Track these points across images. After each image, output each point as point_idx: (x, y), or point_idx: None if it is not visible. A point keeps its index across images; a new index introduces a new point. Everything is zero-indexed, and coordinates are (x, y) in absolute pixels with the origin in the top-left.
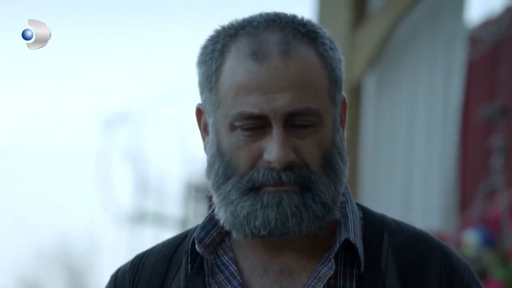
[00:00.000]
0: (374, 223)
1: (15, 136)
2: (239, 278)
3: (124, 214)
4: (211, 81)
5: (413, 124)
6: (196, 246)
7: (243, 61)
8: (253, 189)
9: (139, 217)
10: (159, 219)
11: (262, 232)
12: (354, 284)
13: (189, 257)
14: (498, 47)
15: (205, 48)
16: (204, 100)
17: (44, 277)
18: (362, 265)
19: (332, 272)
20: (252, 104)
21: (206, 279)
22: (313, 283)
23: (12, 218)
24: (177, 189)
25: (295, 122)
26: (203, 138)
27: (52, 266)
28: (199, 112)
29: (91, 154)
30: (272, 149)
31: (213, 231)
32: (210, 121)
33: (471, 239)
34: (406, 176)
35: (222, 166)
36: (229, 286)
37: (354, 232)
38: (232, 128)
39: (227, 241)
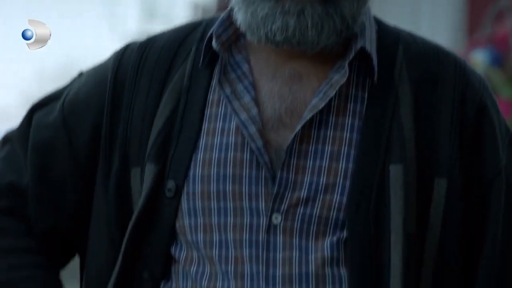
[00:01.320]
0: (389, 35)
1: None
2: (250, 77)
3: (130, 36)
4: None
5: None
6: (214, 42)
7: None
8: None
9: None
10: None
11: (278, 38)
12: (366, 94)
13: (204, 48)
14: None
15: None
16: None
17: None
18: (376, 75)
19: (345, 80)
20: None
21: (219, 76)
22: (324, 89)
23: (17, 37)
24: (184, 12)
25: None
26: None
27: (56, 85)
28: None
29: None
30: None
31: (230, 28)
32: None
33: (479, 58)
34: None
35: None
36: (240, 85)
37: (370, 42)
38: None
39: (242, 40)
